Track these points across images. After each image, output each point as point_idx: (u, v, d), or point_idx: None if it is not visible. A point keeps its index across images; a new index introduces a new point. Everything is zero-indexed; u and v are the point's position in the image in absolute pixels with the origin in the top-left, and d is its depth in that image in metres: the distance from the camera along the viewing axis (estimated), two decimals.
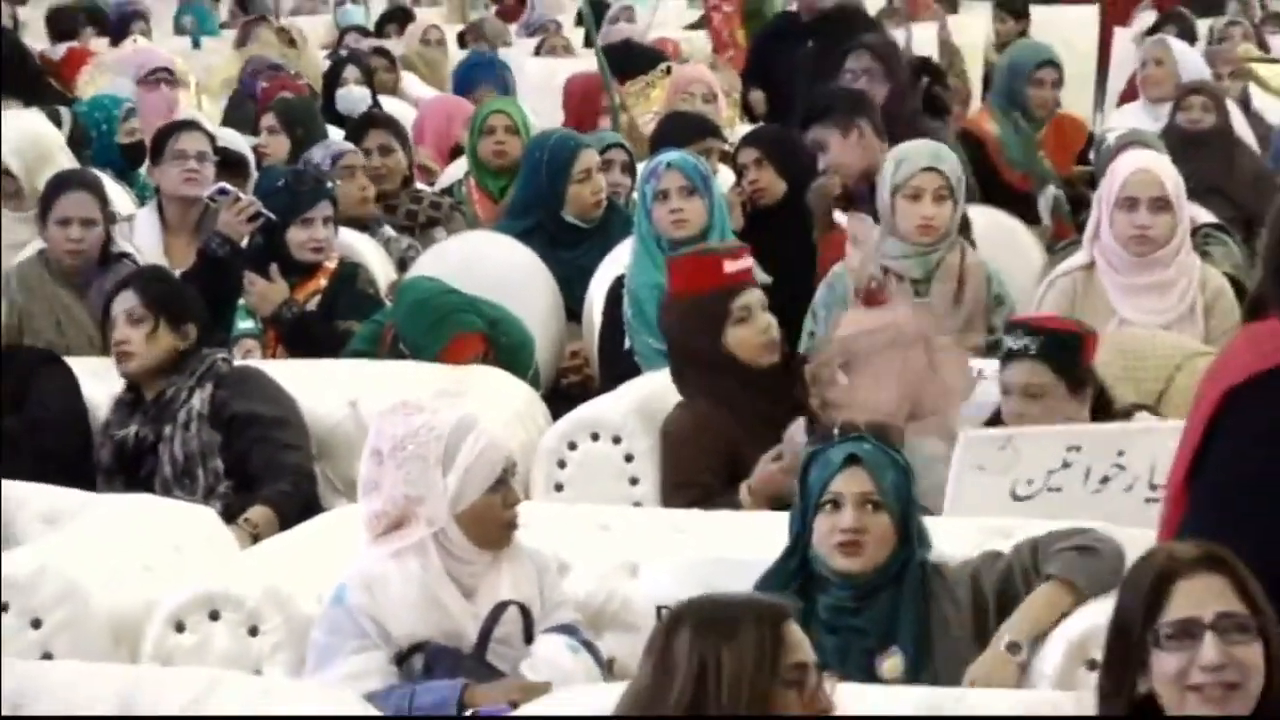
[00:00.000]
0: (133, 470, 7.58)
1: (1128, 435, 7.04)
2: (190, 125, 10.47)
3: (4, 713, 5.27)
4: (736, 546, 6.10)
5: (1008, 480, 6.94)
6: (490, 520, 6.03)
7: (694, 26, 16.69)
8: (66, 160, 11.02)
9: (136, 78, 12.74)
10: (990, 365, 7.44)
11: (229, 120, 13.14)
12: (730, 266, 7.55)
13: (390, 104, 13.96)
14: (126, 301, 7.77)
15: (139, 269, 8.59)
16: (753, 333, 7.39)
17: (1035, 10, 17.78)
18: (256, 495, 7.46)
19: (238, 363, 8.05)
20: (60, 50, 16.77)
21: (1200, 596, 4.66)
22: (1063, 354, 7.20)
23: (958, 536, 6.25)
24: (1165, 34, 14.87)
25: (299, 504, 7.40)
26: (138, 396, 7.73)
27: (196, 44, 17.48)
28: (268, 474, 7.55)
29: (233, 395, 7.65)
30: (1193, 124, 11.27)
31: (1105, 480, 6.91)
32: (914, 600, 5.86)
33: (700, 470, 7.28)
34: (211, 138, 10.39)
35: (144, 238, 9.74)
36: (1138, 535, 5.83)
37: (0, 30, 16.02)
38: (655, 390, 7.87)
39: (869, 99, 10.29)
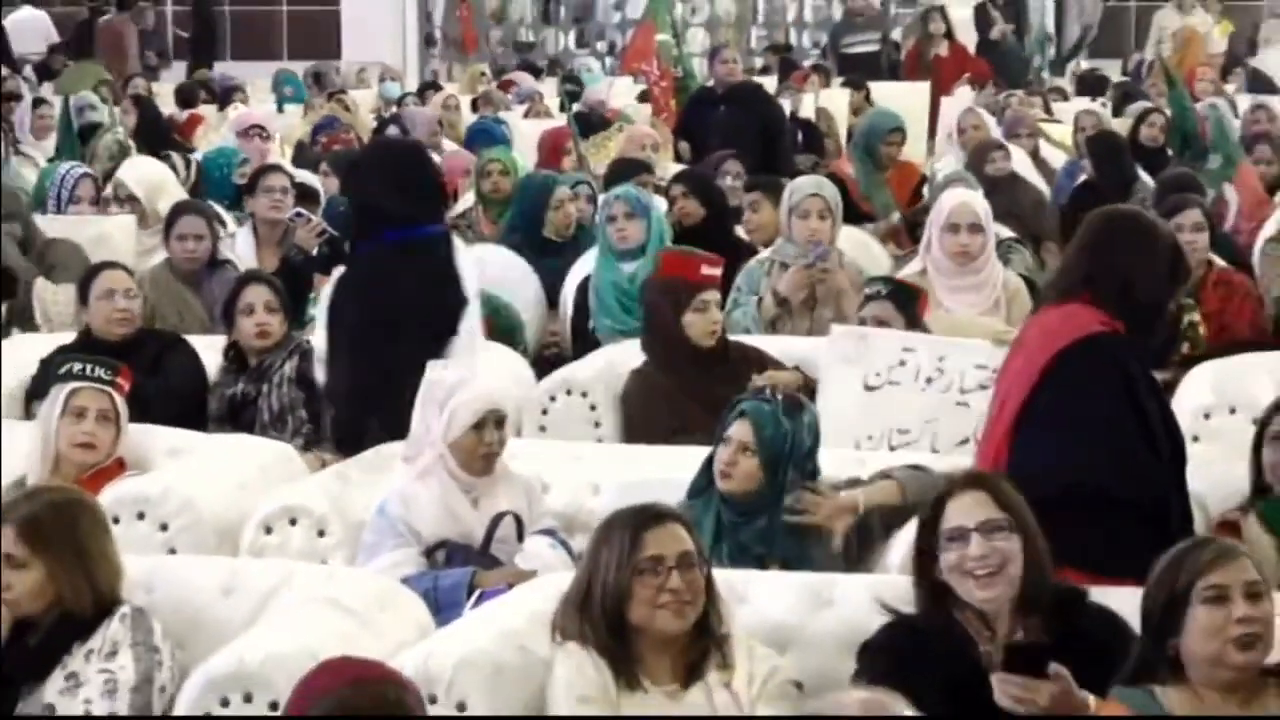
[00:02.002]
0: (237, 417, 7.54)
1: (948, 345, 7.18)
2: (276, 168, 10.45)
3: (138, 593, 5.26)
4: (671, 471, 6.08)
5: (861, 371, 7.04)
6: (470, 452, 6.02)
7: (641, 98, 16.70)
8: (177, 192, 11.06)
9: (237, 130, 12.76)
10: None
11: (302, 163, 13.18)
12: (705, 269, 7.52)
13: None
14: (264, 295, 7.70)
15: (256, 272, 8.54)
16: (704, 321, 7.33)
17: (886, 85, 17.78)
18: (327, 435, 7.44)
19: (313, 341, 8.01)
20: (184, 115, 16.75)
21: (967, 508, 4.75)
22: (903, 299, 7.42)
23: (829, 464, 6.24)
24: (978, 104, 15.00)
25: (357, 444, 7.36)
26: (241, 364, 7.69)
27: (280, 109, 17.48)
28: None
29: (312, 366, 7.61)
30: (998, 171, 11.35)
31: (930, 380, 7.01)
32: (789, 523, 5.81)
33: (648, 430, 7.20)
34: (291, 176, 10.36)
35: (241, 249, 9.69)
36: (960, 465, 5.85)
37: (143, 99, 15.95)
38: (612, 358, 7.84)
39: None
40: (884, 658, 4.57)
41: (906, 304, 7.40)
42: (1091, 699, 4.42)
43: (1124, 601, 4.78)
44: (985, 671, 4.59)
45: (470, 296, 7.23)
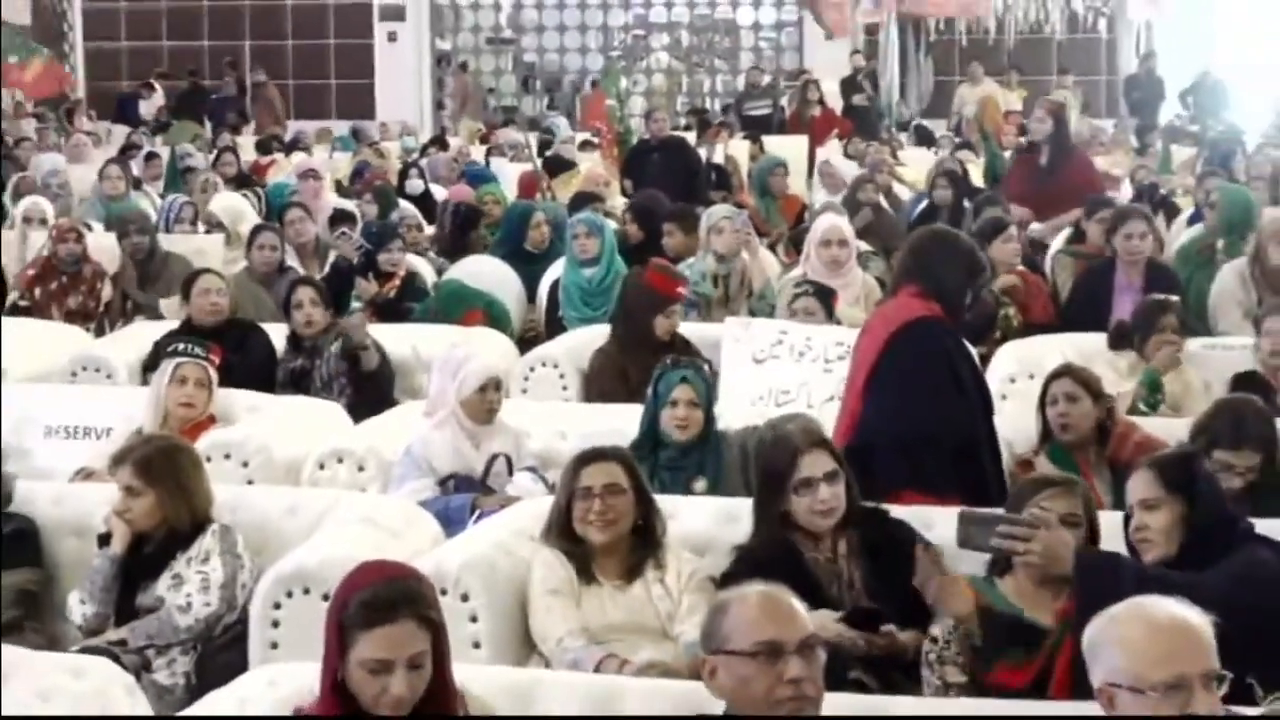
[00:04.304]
0: (298, 384, 7.50)
1: (812, 329, 7.20)
2: (293, 205, 10.53)
3: (225, 514, 5.22)
4: (620, 424, 6.06)
5: (750, 349, 7.05)
6: (476, 407, 6.01)
7: (583, 146, 16.69)
8: (253, 218, 11.08)
9: (297, 174, 12.73)
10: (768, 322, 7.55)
11: (346, 195, 13.16)
12: (680, 289, 7.49)
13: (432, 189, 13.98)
14: (310, 294, 7.65)
15: (306, 276, 8.51)
16: (670, 324, 7.26)
17: (775, 138, 17.78)
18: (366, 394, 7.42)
19: None
20: (264, 160, 16.65)
21: (814, 463, 4.70)
22: (822, 295, 7.52)
23: (733, 415, 6.24)
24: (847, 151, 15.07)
25: (382, 403, 7.34)
26: (299, 345, 7.64)
27: (330, 156, 17.40)
28: (370, 386, 7.49)
29: (352, 345, 7.57)
30: (868, 198, 11.42)
31: (802, 354, 7.01)
32: (714, 454, 5.81)
33: (604, 394, 7.13)
34: (308, 210, 10.38)
35: (292, 259, 9.67)
36: (826, 418, 5.83)
37: (233, 149, 15.88)
38: (576, 340, 7.82)
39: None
40: (743, 579, 4.56)
41: (824, 299, 7.49)
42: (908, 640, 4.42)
43: (935, 518, 4.80)
44: (812, 571, 4.63)
45: None
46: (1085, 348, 7.15)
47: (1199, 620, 3.15)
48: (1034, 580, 4.30)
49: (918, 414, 5.32)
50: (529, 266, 9.68)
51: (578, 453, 4.99)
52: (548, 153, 15.65)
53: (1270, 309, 6.93)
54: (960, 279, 5.51)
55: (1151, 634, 3.13)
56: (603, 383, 7.26)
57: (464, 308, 8.74)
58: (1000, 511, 4.24)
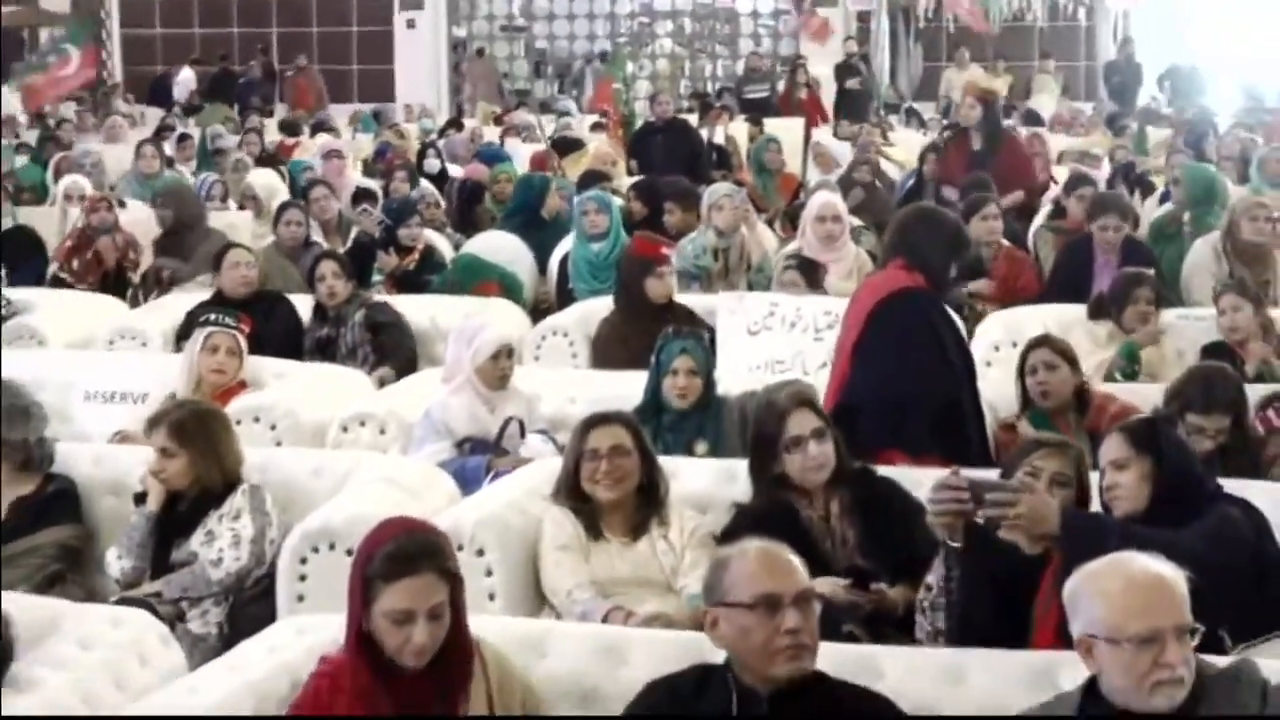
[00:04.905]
0: (324, 352, 7.49)
1: (801, 300, 7.18)
2: (318, 182, 10.53)
3: (254, 474, 5.22)
4: (625, 389, 6.05)
5: (744, 321, 7.04)
6: (490, 374, 5.98)
7: (594, 128, 16.61)
8: (283, 192, 11.06)
9: (321, 154, 12.69)
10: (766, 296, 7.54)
11: (369, 174, 13.12)
12: (664, 250, 7.46)
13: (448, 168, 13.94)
14: (332, 267, 7.63)
15: (329, 250, 8.48)
16: (662, 285, 7.23)
17: (773, 120, 17.71)
18: (388, 362, 7.40)
19: (375, 298, 7.96)
20: (289, 141, 16.59)
21: (801, 422, 4.71)
22: (806, 268, 7.59)
23: (733, 382, 6.22)
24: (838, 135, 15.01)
25: (407, 369, 7.33)
26: (324, 315, 7.63)
27: (354, 137, 17.35)
28: (394, 355, 7.46)
29: (376, 315, 7.56)
30: (860, 179, 11.41)
31: (793, 325, 7.00)
32: (714, 418, 5.81)
33: (610, 361, 7.08)
34: (332, 187, 10.34)
35: (317, 234, 9.65)
36: (820, 384, 5.81)
37: (258, 130, 15.84)
38: (585, 310, 7.78)
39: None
40: (742, 535, 4.55)
41: (809, 271, 7.51)
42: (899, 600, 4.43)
43: (921, 478, 4.75)
44: (807, 529, 4.62)
45: None
46: (1065, 318, 7.15)
47: (1173, 575, 3.14)
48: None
49: (901, 380, 5.32)
50: (539, 234, 9.65)
51: (586, 416, 4.98)
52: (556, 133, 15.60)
53: (1225, 287, 6.94)
54: (943, 253, 5.51)
55: (1128, 588, 3.13)
56: (606, 350, 7.26)
57: (479, 280, 8.73)
58: (981, 474, 4.21)
